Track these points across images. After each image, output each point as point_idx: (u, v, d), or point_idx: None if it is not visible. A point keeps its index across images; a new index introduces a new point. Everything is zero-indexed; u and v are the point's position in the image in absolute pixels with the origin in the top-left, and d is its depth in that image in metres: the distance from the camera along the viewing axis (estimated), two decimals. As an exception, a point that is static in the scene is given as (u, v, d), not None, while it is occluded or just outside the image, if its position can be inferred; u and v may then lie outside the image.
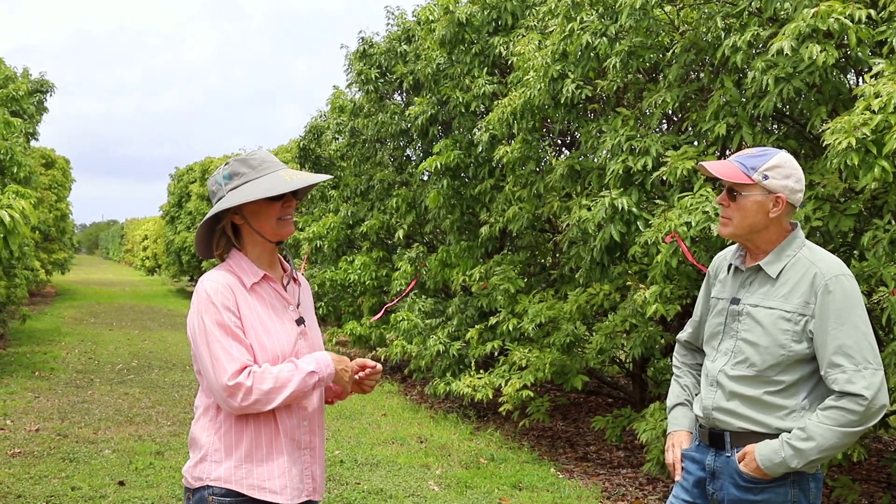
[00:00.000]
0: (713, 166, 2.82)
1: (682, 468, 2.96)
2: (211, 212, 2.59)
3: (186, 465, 2.61)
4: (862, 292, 3.24)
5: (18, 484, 5.92)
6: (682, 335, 3.17)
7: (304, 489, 2.64)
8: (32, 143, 17.53)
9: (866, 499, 6.02)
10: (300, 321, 2.67)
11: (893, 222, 4.35)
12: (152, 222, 40.16)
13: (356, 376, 2.75)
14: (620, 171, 5.83)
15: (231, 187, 2.58)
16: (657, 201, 5.69)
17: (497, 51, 8.36)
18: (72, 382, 10.20)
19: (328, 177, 2.77)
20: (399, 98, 11.34)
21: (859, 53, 4.51)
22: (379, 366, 2.78)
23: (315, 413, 2.69)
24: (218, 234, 2.67)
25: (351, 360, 2.69)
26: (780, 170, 2.72)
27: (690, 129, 5.94)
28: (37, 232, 18.40)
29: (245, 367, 2.44)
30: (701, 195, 5.10)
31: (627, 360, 8.16)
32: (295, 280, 2.76)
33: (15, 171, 10.90)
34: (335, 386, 2.75)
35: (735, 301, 2.81)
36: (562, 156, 8.46)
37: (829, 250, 2.82)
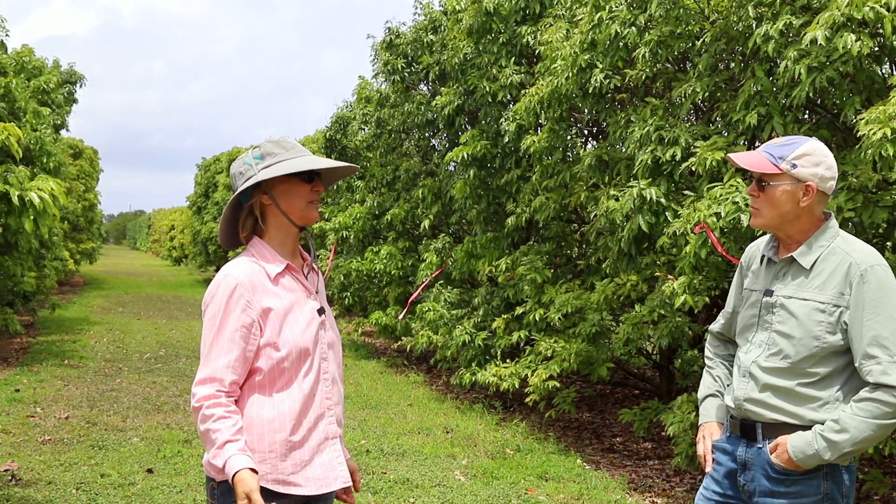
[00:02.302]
0: (741, 157, 2.79)
1: (713, 459, 2.94)
2: (242, 186, 2.59)
3: (207, 456, 2.62)
4: None
5: (49, 471, 5.98)
6: (715, 326, 3.14)
7: (339, 477, 2.64)
8: (62, 133, 17.68)
9: (897, 493, 5.96)
10: (321, 311, 2.66)
11: (927, 213, 4.29)
12: (179, 212, 40.45)
13: None
14: (649, 162, 5.78)
15: (263, 166, 2.57)
16: (686, 192, 5.64)
17: (524, 40, 8.32)
18: (100, 371, 10.29)
19: (356, 167, 2.76)
20: (425, 88, 11.32)
21: (895, 43, 4.44)
22: None
23: (338, 405, 2.69)
24: (245, 214, 2.66)
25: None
26: (809, 158, 2.68)
27: (720, 119, 5.88)
28: (65, 222, 18.56)
29: (212, 381, 2.48)
30: (731, 185, 5.05)
31: (654, 352, 8.12)
32: (314, 268, 2.76)
33: (44, 161, 11.00)
34: None
35: (768, 293, 2.78)
36: (589, 146, 8.42)
37: (861, 241, 2.77)
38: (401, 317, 10.90)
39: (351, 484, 2.73)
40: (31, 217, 5.80)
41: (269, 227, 2.65)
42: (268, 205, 2.62)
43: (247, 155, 2.64)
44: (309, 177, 2.61)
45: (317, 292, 2.70)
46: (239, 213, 2.68)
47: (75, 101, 17.89)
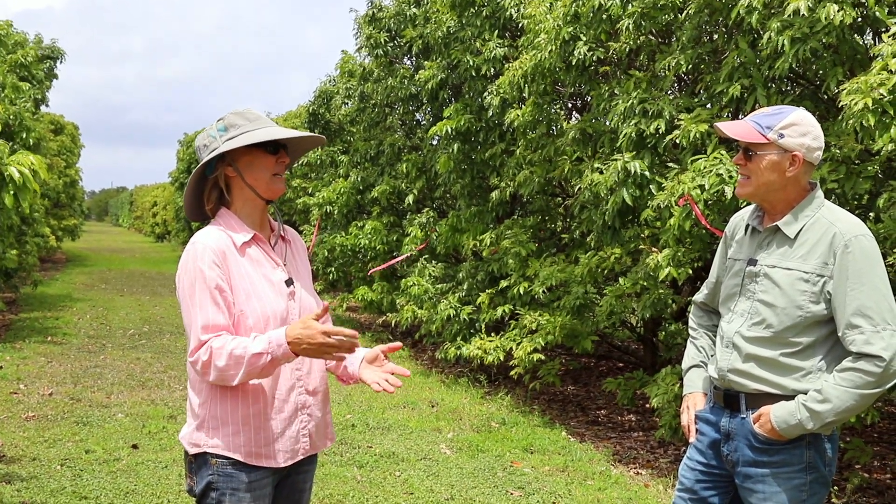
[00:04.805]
0: (728, 127, 2.78)
1: (697, 430, 2.95)
2: (205, 158, 2.56)
3: (184, 430, 2.61)
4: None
5: (33, 447, 5.96)
6: (699, 297, 3.14)
7: (300, 448, 2.62)
8: (42, 108, 17.50)
9: (878, 461, 6.04)
10: (289, 282, 2.64)
11: (910, 184, 4.31)
12: (161, 189, 40.31)
13: (381, 372, 2.63)
14: (633, 135, 5.78)
15: (227, 138, 2.55)
16: (670, 164, 5.64)
17: (508, 13, 8.27)
18: (84, 347, 10.25)
19: (323, 138, 2.75)
20: (409, 62, 11.26)
21: (877, 13, 4.43)
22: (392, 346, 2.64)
23: (309, 374, 2.65)
24: (209, 186, 2.64)
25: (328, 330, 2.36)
26: (796, 128, 2.68)
27: (704, 91, 5.88)
28: (47, 198, 18.42)
29: (204, 343, 2.41)
30: (714, 158, 5.05)
31: (638, 325, 8.15)
32: (283, 238, 2.73)
33: (24, 136, 10.88)
34: (336, 369, 2.73)
35: (752, 262, 2.79)
36: (573, 119, 8.40)
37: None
38: (370, 272, 10.88)
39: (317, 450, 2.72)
40: (11, 192, 5.73)
41: (234, 200, 2.62)
42: (232, 177, 2.60)
43: (211, 127, 2.61)
44: (274, 148, 2.58)
45: (285, 263, 2.67)
46: (204, 186, 2.65)
47: (55, 76, 17.69)
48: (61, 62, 17.84)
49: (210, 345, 2.39)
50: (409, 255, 10.09)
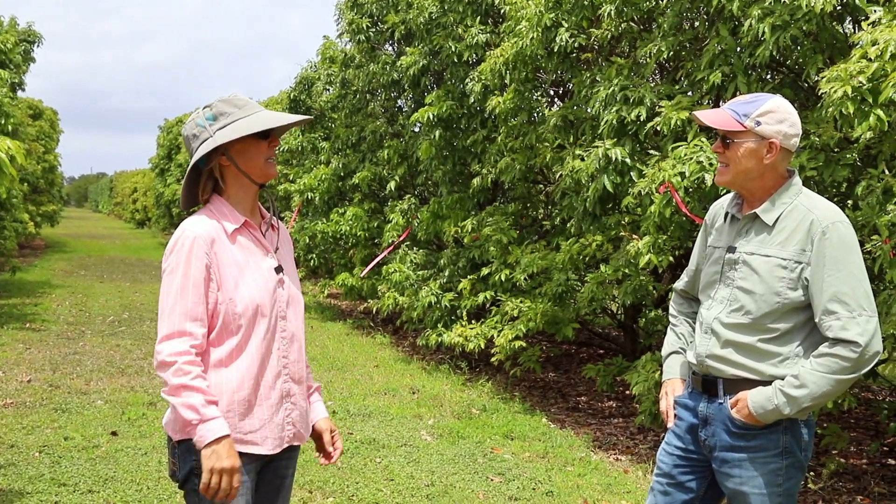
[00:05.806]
0: (705, 115, 2.79)
1: (675, 415, 2.97)
2: (200, 151, 2.53)
3: (167, 416, 2.59)
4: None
5: (11, 434, 5.93)
6: (679, 284, 3.16)
7: (286, 437, 2.63)
8: (19, 93, 17.33)
9: (855, 446, 6.09)
10: (279, 269, 2.64)
11: (887, 171, 4.34)
12: (142, 175, 40.09)
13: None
14: (614, 122, 5.79)
15: (218, 127, 2.53)
16: (651, 151, 5.65)
17: (489, -1, 8.26)
18: (63, 334, 10.19)
19: (310, 118, 2.74)
20: (390, 48, 11.21)
21: (857, 1, 4.45)
22: None
23: (296, 363, 2.66)
24: (205, 177, 2.62)
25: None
26: (773, 115, 2.69)
27: (685, 78, 5.89)
28: (25, 184, 18.27)
29: (181, 336, 2.43)
30: (695, 145, 5.07)
31: (619, 312, 8.18)
32: (273, 226, 2.72)
33: (2, 122, 10.78)
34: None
35: (731, 249, 2.80)
36: (555, 106, 8.40)
37: (823, 199, 2.79)
38: (363, 274, 10.87)
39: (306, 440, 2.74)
40: (-12, 178, 5.68)
41: (228, 187, 2.60)
42: (226, 165, 2.58)
43: (198, 116, 2.58)
44: (265, 133, 2.57)
45: (275, 250, 2.67)
46: (199, 177, 2.63)
47: (33, 60, 17.52)
48: (38, 45, 17.68)
49: (177, 361, 2.40)
50: (394, 242, 10.05)
